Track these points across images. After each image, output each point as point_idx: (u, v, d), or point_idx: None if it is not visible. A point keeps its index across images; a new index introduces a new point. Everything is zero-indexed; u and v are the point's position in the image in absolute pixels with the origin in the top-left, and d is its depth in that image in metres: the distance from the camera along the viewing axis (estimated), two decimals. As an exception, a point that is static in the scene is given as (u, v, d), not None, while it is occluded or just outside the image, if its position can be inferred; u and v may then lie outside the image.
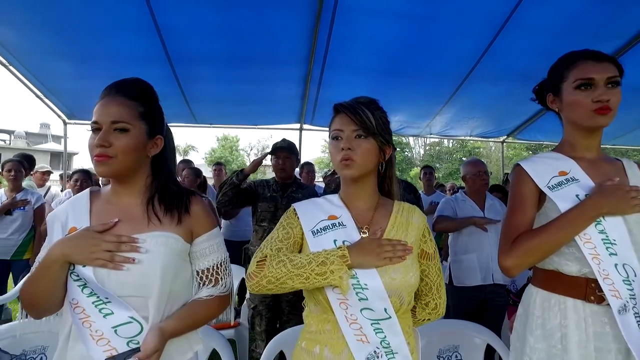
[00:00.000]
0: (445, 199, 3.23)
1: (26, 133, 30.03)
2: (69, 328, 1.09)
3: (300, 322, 3.21)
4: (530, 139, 6.51)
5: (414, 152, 37.08)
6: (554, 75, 1.36)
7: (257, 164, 2.92)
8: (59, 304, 1.12)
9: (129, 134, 1.12)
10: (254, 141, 37.70)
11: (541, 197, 1.32)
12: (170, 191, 1.22)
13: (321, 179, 7.70)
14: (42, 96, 5.13)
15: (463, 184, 3.38)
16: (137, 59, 4.34)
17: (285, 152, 2.93)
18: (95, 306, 1.06)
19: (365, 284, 1.12)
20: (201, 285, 1.22)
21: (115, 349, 1.05)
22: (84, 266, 1.07)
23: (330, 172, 6.37)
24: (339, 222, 1.25)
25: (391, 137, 1.28)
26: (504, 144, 7.02)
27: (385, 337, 1.12)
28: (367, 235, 1.22)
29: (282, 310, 2.80)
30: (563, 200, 1.26)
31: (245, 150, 37.28)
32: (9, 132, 32.12)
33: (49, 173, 5.94)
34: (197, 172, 4.19)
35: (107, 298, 1.07)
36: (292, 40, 4.16)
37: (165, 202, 1.20)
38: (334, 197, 1.33)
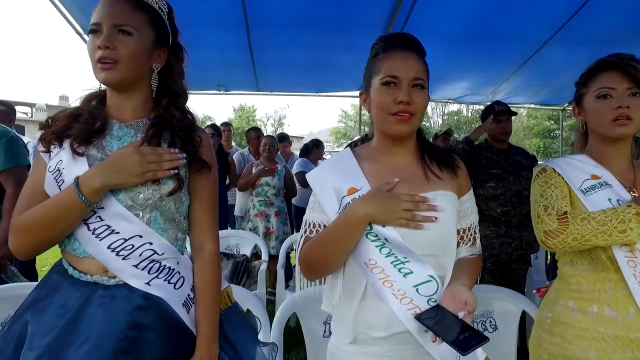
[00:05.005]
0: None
1: (46, 106, 30.11)
2: (363, 287, 1.10)
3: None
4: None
5: (431, 122, 36.59)
6: None
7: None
8: (341, 265, 1.13)
9: None
10: (270, 111, 37.31)
11: None
12: (439, 150, 1.21)
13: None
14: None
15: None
16: (215, 25, 4.24)
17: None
18: (394, 266, 1.06)
19: None
20: (460, 244, 1.21)
21: (418, 307, 1.06)
22: (384, 226, 1.06)
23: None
24: (604, 182, 1.24)
25: None
26: (563, 112, 6.87)
27: None
28: (637, 195, 1.21)
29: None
30: None
31: (262, 120, 37.09)
32: (31, 105, 32.24)
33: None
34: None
35: (405, 257, 1.06)
36: (375, 5, 4.04)
37: (438, 161, 1.18)
38: (583, 157, 1.32)
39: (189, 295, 1.08)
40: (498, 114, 2.91)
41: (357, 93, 6.09)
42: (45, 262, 4.78)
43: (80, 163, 1.01)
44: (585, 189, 1.23)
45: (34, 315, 0.99)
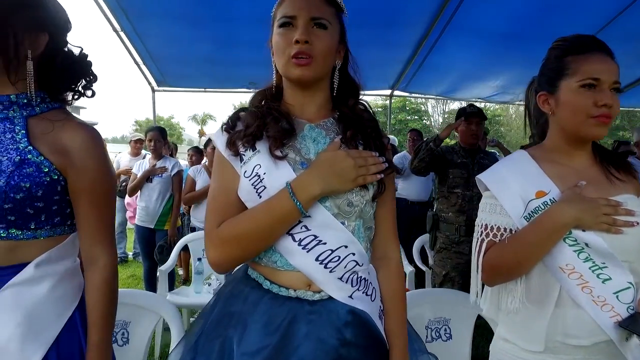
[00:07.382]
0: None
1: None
2: (556, 293, 1.05)
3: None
4: (627, 104, 6.29)
5: (432, 120, 36.58)
6: None
7: (451, 128, 2.88)
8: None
9: None
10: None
11: None
12: (612, 152, 1.18)
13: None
14: (140, 62, 5.01)
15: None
16: (251, 21, 4.15)
17: (477, 117, 2.87)
18: (593, 271, 1.03)
19: None
20: None
21: (619, 314, 1.02)
22: (584, 230, 1.02)
23: (433, 138, 6.13)
24: None
25: None
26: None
27: None
28: None
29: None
30: None
31: (262, 118, 36.86)
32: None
33: (141, 141, 5.84)
34: None
35: (603, 263, 1.03)
36: (420, 3, 4.00)
37: (615, 163, 1.15)
38: None
39: (380, 306, 1.02)
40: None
41: (387, 92, 6.05)
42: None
43: (282, 167, 0.92)
44: None
45: (236, 331, 0.92)
